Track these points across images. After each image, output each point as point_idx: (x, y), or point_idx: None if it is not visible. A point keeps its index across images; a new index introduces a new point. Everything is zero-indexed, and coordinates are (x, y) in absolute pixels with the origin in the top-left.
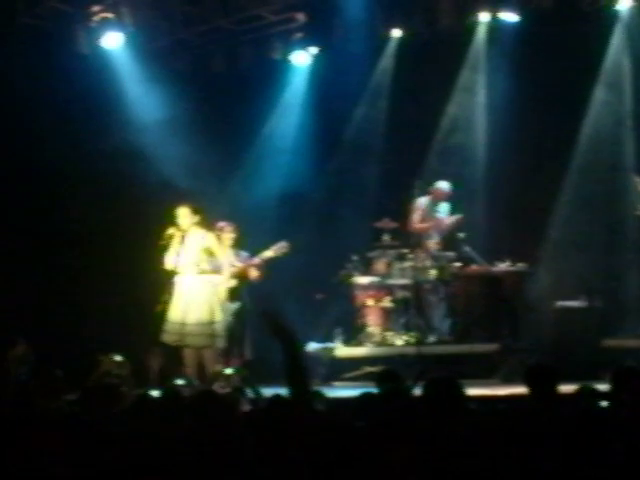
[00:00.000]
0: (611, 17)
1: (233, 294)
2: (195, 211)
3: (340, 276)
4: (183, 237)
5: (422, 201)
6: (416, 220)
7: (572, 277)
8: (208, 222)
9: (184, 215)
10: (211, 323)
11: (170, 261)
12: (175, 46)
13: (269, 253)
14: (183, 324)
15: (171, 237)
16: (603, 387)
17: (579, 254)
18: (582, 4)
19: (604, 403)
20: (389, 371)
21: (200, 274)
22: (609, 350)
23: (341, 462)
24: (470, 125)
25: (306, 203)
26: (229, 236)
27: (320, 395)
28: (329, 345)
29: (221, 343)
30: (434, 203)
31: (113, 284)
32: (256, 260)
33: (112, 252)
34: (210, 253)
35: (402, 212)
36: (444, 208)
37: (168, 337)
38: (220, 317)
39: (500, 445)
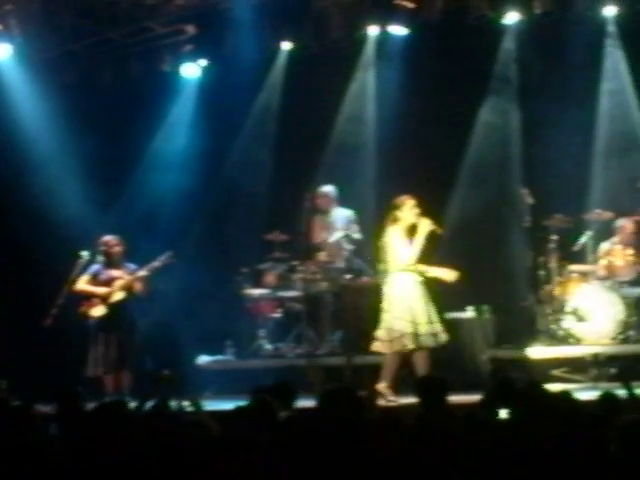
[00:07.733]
0: (498, 31)
1: (120, 307)
2: (418, 204)
3: (231, 288)
4: (408, 231)
5: (318, 215)
6: (314, 233)
7: (462, 289)
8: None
9: (410, 207)
10: (436, 321)
11: (407, 256)
12: (64, 58)
13: (155, 264)
14: (415, 323)
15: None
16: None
17: (468, 266)
18: (468, 18)
19: (503, 414)
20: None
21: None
22: (494, 362)
23: None
24: (359, 140)
25: (195, 216)
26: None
27: (198, 406)
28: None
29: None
30: (324, 211)
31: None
32: (142, 272)
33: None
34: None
35: (292, 224)
36: (342, 214)
37: (397, 344)
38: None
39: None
